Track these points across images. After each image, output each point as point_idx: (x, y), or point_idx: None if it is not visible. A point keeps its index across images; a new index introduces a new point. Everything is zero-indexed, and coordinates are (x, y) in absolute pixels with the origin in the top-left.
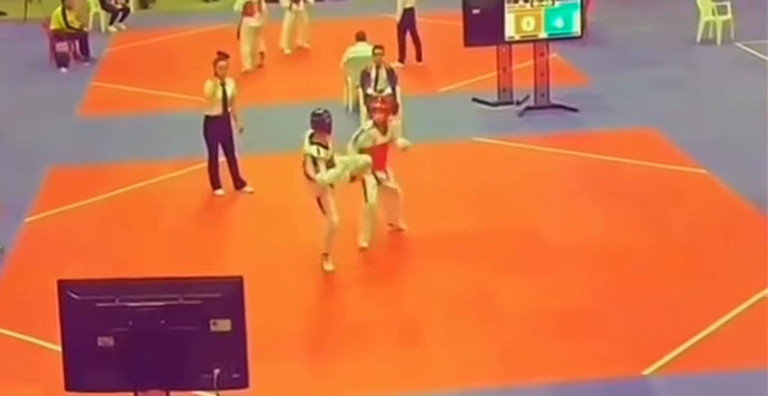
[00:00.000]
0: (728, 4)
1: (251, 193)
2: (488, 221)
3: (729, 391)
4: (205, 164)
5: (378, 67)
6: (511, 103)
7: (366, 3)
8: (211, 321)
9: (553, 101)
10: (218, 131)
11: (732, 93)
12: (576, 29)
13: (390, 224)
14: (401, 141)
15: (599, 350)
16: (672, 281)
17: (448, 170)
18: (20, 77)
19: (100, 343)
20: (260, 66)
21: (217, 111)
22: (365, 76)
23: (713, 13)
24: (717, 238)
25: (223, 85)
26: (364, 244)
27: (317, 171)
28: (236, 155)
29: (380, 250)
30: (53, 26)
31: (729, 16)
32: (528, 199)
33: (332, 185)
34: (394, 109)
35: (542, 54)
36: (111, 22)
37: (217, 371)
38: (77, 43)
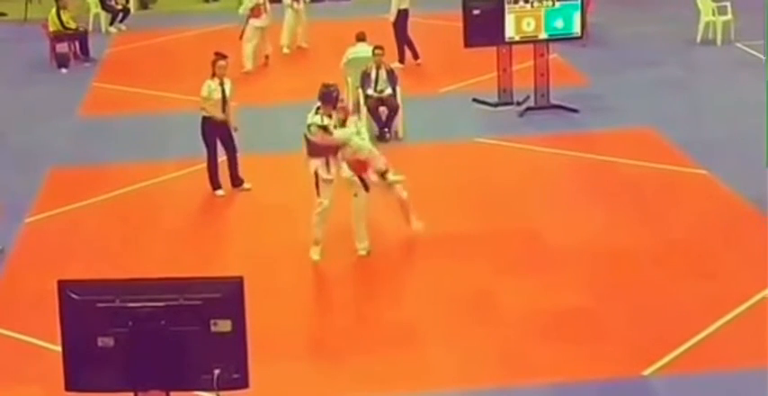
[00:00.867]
0: (729, 4)
1: (248, 190)
2: (489, 222)
3: (729, 392)
4: (205, 164)
5: (378, 68)
6: (511, 103)
7: (366, 3)
8: (212, 322)
9: (553, 101)
10: (216, 131)
11: (732, 93)
12: (577, 29)
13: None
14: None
15: (599, 350)
16: (672, 281)
17: (448, 170)
18: (20, 78)
19: (100, 343)
20: (265, 65)
21: (216, 111)
22: (365, 77)
23: (713, 14)
24: (717, 238)
25: (222, 85)
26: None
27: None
28: (238, 154)
29: (380, 250)
30: (51, 28)
31: (730, 17)
32: (528, 199)
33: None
34: (394, 109)
35: (542, 55)
36: (112, 23)
37: (217, 371)
38: (78, 44)
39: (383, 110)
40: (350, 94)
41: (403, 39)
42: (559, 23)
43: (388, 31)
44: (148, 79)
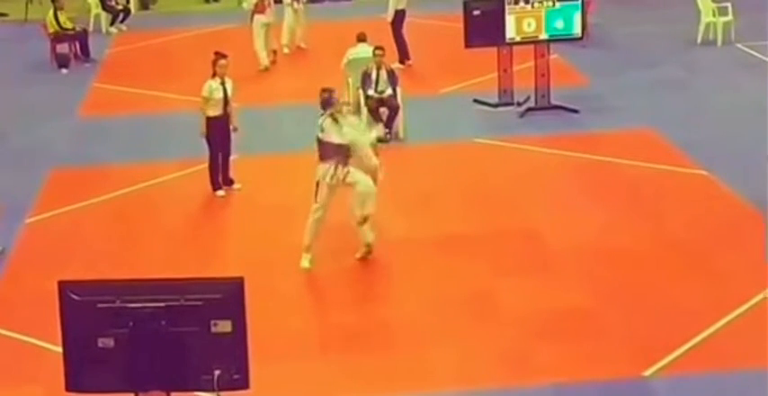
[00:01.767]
0: (729, 5)
1: (239, 190)
2: (489, 222)
3: (730, 393)
4: (205, 165)
5: (378, 69)
6: (511, 104)
7: (366, 4)
8: (212, 322)
9: (554, 102)
10: (218, 131)
11: (732, 94)
12: (577, 30)
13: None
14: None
15: (599, 351)
16: (672, 281)
17: (449, 171)
18: (20, 78)
19: (100, 344)
20: (273, 62)
21: (218, 111)
22: (366, 78)
23: (714, 15)
24: (717, 238)
25: (223, 84)
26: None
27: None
28: (232, 156)
29: (380, 251)
30: (50, 29)
31: (730, 17)
32: (528, 200)
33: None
34: (395, 110)
35: (543, 55)
36: (112, 24)
37: (217, 372)
38: (78, 44)
39: (384, 110)
40: (350, 94)
41: (396, 38)
42: (560, 24)
43: (389, 32)
44: (149, 80)
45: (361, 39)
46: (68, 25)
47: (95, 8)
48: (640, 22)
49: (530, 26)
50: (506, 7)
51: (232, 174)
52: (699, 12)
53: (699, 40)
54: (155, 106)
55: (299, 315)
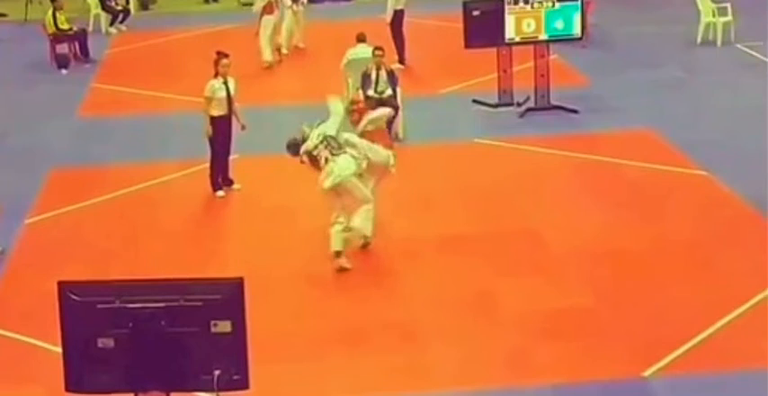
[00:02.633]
0: (729, 5)
1: (239, 190)
2: (489, 222)
3: (730, 393)
4: (205, 165)
5: (378, 69)
6: (511, 104)
7: (366, 4)
8: (212, 322)
9: (553, 102)
10: (221, 131)
11: (732, 94)
12: (577, 30)
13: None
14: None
15: (599, 351)
16: (672, 281)
17: (448, 171)
18: (20, 79)
19: (100, 344)
20: (279, 61)
21: (222, 110)
22: (365, 78)
23: (713, 15)
24: (717, 238)
25: (226, 83)
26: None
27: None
28: (230, 156)
29: (381, 251)
30: (49, 30)
31: (730, 18)
32: (528, 200)
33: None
34: (394, 110)
35: (543, 55)
36: (112, 24)
37: (217, 372)
38: (77, 45)
39: None
40: (350, 95)
41: (395, 39)
42: (559, 24)
43: (388, 33)
44: (149, 80)
45: (361, 39)
46: (66, 26)
47: (95, 8)
48: (640, 22)
49: (529, 26)
50: (506, 7)
51: (231, 174)
52: (699, 12)
53: (699, 40)
54: (155, 106)
55: (299, 315)
